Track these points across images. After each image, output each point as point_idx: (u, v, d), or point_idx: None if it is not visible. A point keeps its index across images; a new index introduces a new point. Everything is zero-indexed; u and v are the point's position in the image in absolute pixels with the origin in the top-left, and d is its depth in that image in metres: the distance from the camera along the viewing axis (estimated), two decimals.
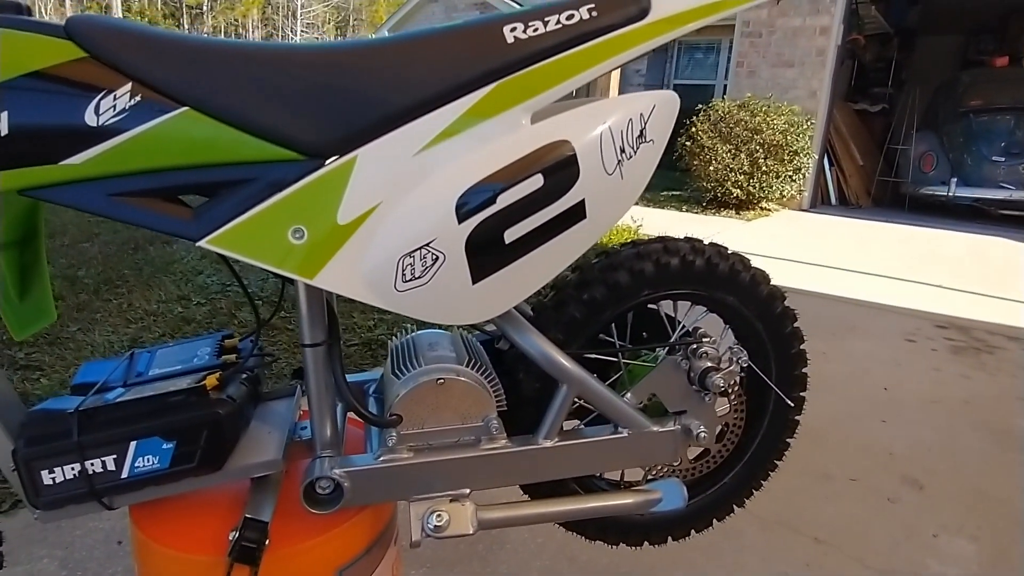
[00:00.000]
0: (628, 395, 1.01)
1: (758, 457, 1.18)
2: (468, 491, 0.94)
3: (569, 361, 0.95)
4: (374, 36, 0.84)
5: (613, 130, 0.84)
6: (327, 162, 0.77)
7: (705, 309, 1.10)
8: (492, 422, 0.93)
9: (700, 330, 1.06)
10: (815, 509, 1.88)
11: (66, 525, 1.64)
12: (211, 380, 0.88)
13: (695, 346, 1.02)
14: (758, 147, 6.81)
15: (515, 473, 0.97)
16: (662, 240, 1.04)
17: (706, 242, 1.06)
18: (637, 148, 0.85)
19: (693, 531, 1.19)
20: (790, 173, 6.99)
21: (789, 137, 6.80)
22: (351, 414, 1.08)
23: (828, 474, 2.07)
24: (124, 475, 0.83)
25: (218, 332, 1.06)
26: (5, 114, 0.69)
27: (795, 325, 1.12)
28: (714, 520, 1.19)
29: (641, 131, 0.85)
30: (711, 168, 7.03)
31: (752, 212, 7.21)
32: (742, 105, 7.09)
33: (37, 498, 0.82)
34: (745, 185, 6.96)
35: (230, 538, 0.84)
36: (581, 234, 0.85)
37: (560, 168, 0.82)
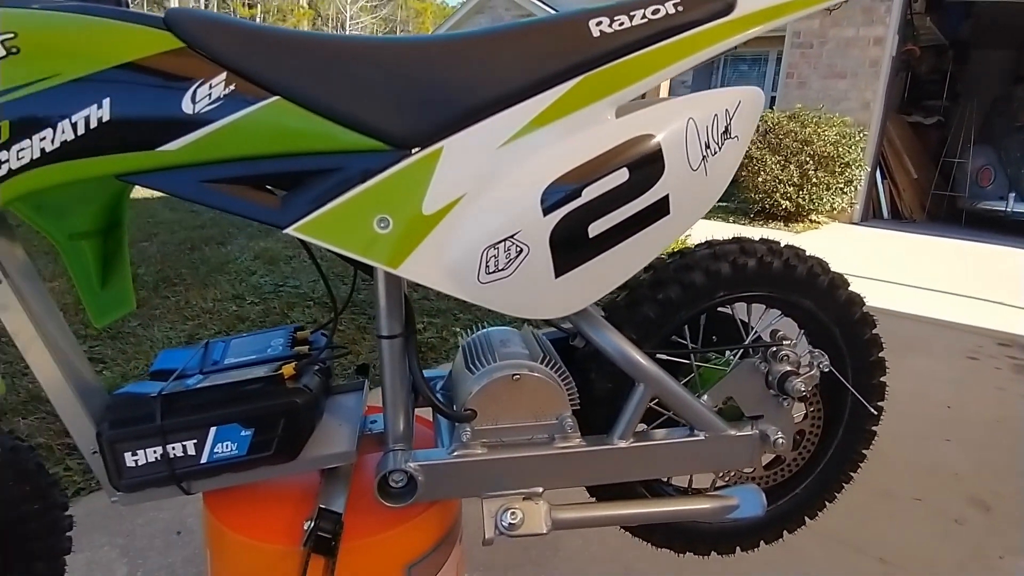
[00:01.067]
0: (704, 397, 0.99)
1: (832, 468, 1.14)
2: (541, 490, 0.92)
3: (648, 360, 0.93)
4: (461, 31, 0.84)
5: (698, 125, 0.82)
6: (413, 152, 0.77)
7: (779, 312, 1.08)
8: (567, 420, 0.92)
9: (779, 333, 1.03)
10: (879, 529, 1.81)
11: (127, 514, 1.67)
12: (287, 370, 0.89)
13: (774, 349, 0.99)
14: (808, 159, 6.67)
15: (589, 473, 0.95)
16: (738, 241, 1.02)
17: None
18: (722, 144, 0.84)
19: (763, 542, 1.15)
20: (841, 185, 6.83)
21: (840, 149, 6.64)
22: (418, 409, 1.07)
23: (892, 493, 2.00)
24: (203, 460, 0.84)
25: (290, 325, 1.07)
26: (108, 101, 0.71)
27: (874, 331, 1.08)
28: (784, 532, 1.16)
29: (726, 127, 0.84)
30: (759, 179, 6.91)
31: (801, 224, 7.07)
32: (792, 116, 6.96)
33: (120, 480, 0.83)
34: (794, 197, 6.82)
35: (305, 528, 0.84)
36: (664, 230, 0.83)
37: (645, 163, 0.81)
